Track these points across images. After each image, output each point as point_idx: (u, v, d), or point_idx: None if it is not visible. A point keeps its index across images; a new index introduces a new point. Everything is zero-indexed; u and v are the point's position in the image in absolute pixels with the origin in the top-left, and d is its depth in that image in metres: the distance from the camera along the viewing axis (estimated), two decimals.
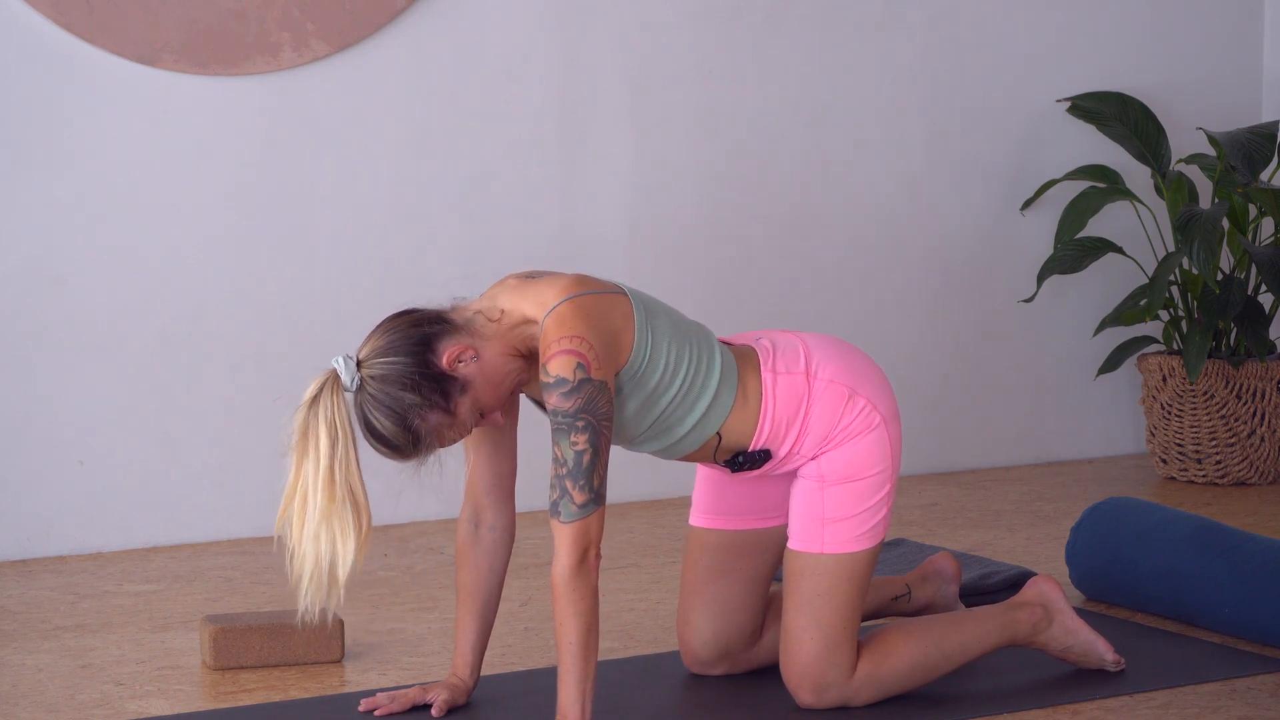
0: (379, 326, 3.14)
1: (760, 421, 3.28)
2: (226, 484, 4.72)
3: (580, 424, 3.08)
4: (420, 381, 3.08)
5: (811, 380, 3.29)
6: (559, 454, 3.09)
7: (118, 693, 3.51)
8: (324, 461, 3.06)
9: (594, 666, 3.09)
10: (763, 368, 3.29)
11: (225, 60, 4.62)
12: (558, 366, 3.08)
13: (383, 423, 3.08)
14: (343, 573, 3.07)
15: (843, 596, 3.31)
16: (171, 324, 4.64)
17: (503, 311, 3.17)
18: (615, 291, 3.20)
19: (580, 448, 3.08)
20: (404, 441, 3.09)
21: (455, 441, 3.15)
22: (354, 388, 3.09)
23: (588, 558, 3.08)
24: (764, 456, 3.31)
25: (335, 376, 3.09)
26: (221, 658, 3.61)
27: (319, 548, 3.06)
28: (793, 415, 3.29)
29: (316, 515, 3.06)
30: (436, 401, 3.09)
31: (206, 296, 4.67)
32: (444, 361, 3.10)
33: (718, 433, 3.28)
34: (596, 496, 3.09)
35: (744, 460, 3.32)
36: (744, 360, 3.30)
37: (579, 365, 3.08)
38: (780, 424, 3.29)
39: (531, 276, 3.22)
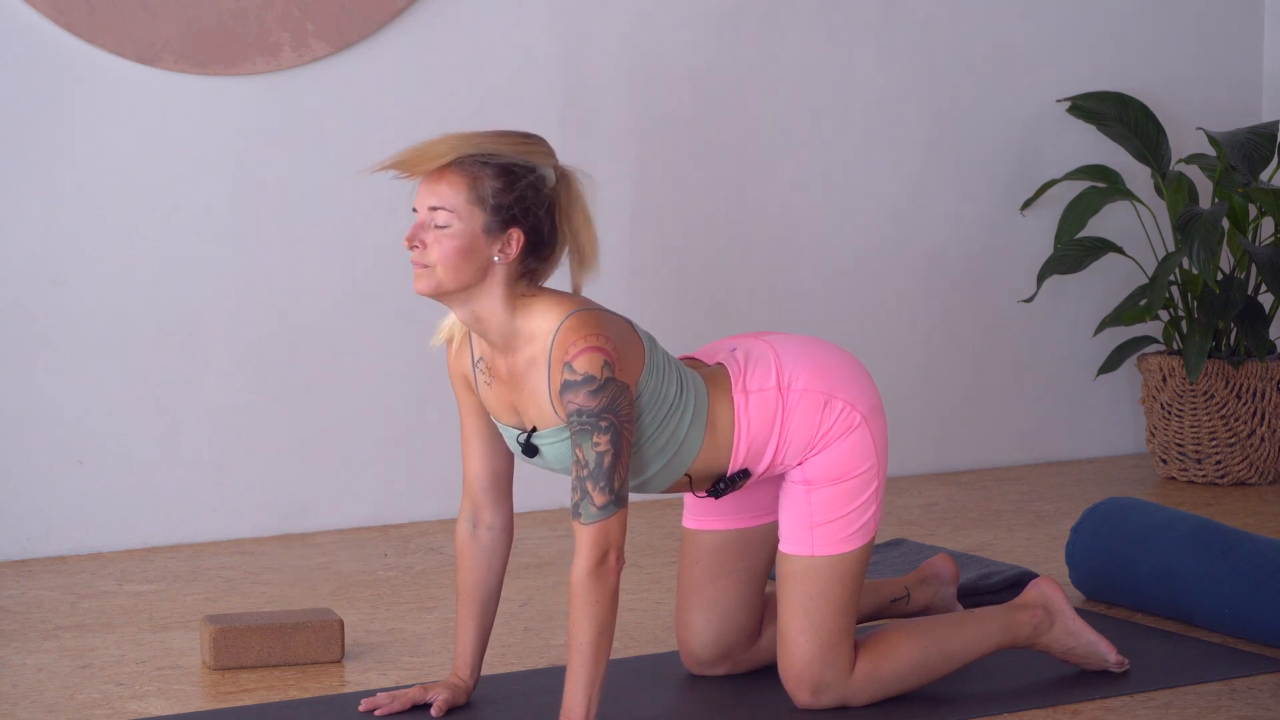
0: None
1: (735, 445, 3.27)
2: (226, 484, 4.72)
3: (604, 424, 3.07)
4: (533, 208, 3.13)
5: (785, 393, 3.28)
6: (580, 455, 3.08)
7: (118, 693, 3.51)
8: (497, 132, 3.15)
9: (604, 669, 3.09)
10: (734, 388, 3.28)
11: (225, 60, 4.62)
12: (585, 363, 3.08)
13: (522, 165, 3.13)
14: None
15: (836, 598, 3.30)
16: (171, 323, 4.64)
17: (531, 297, 3.17)
18: (620, 315, 3.21)
19: (602, 448, 3.07)
20: (495, 164, 3.11)
21: (423, 210, 3.13)
22: (549, 176, 3.17)
23: (607, 560, 3.08)
24: (744, 476, 3.31)
25: (547, 169, 3.16)
26: (221, 658, 3.61)
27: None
28: (769, 431, 3.28)
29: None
30: (516, 220, 3.12)
31: (206, 296, 4.68)
32: (515, 232, 3.12)
33: (687, 474, 3.29)
34: (617, 498, 3.09)
35: (725, 485, 3.32)
36: (715, 384, 3.28)
37: (606, 363, 3.08)
38: (757, 442, 3.28)
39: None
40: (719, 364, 3.32)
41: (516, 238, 3.13)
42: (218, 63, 4.62)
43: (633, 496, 5.04)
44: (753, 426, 3.27)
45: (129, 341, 4.61)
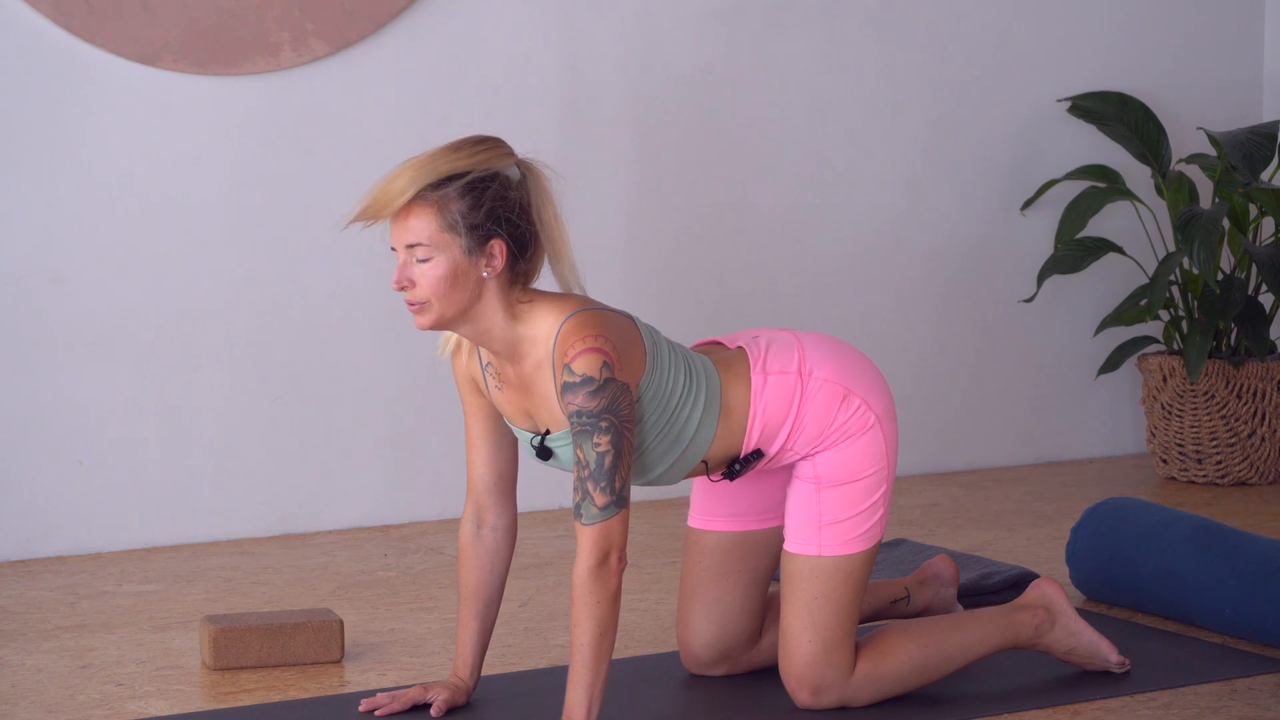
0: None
1: (749, 425, 3.27)
2: (226, 484, 4.72)
3: (604, 424, 3.07)
4: (505, 214, 3.12)
5: (805, 379, 3.29)
6: (581, 456, 3.08)
7: (118, 693, 3.51)
8: (449, 146, 3.14)
9: (606, 670, 3.09)
10: (752, 369, 3.28)
11: (225, 60, 4.62)
12: (584, 365, 3.08)
13: (484, 177, 3.12)
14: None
15: (840, 599, 3.30)
16: (171, 323, 4.64)
17: (530, 302, 3.17)
18: (622, 313, 3.21)
19: (603, 449, 3.08)
20: (457, 184, 3.10)
21: (400, 249, 3.12)
22: (512, 174, 3.16)
23: (608, 561, 3.08)
24: (757, 457, 3.31)
25: (510, 167, 3.15)
26: (221, 658, 3.61)
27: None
28: (784, 414, 3.28)
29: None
30: (493, 231, 3.11)
31: (206, 296, 4.68)
32: (496, 244, 3.11)
33: (704, 460, 3.29)
34: (619, 499, 3.09)
35: (739, 466, 3.32)
36: (730, 368, 3.29)
37: (605, 364, 3.08)
38: (772, 424, 3.28)
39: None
40: (739, 348, 3.33)
41: (499, 249, 3.13)
42: (218, 63, 4.62)
43: (641, 493, 5.04)
44: (769, 408, 3.27)
45: (129, 341, 4.61)
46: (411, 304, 3.14)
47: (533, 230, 3.17)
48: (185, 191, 4.64)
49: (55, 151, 4.52)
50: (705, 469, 3.32)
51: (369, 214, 3.13)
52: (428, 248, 3.11)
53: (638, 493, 5.05)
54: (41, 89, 4.49)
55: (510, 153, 3.16)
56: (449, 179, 3.11)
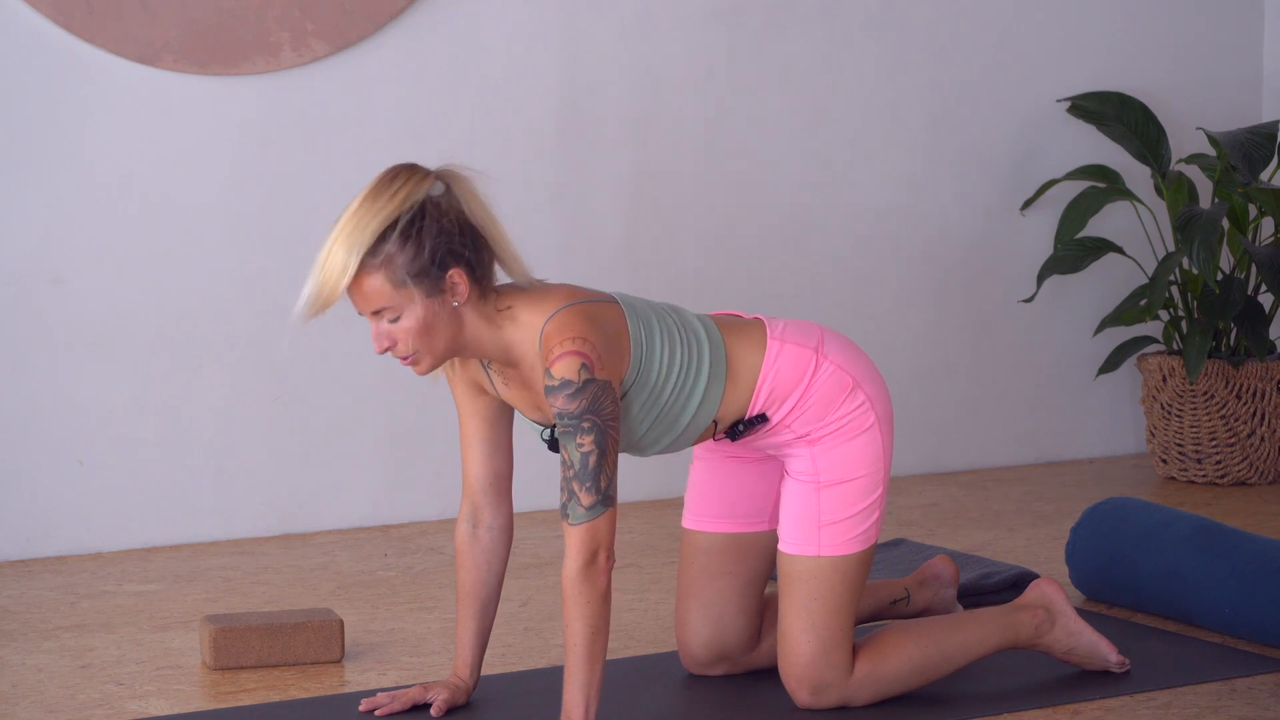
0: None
1: (757, 389, 3.28)
2: (226, 484, 4.72)
3: (586, 425, 3.08)
4: (448, 243, 3.08)
5: (820, 359, 3.30)
6: (566, 456, 3.09)
7: (118, 693, 3.51)
8: (368, 198, 3.08)
9: (601, 668, 3.09)
10: (770, 335, 3.29)
11: (225, 60, 4.62)
12: (562, 368, 3.09)
13: (413, 216, 3.07)
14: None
15: (838, 599, 3.31)
16: (171, 323, 4.65)
17: (510, 307, 3.17)
18: (605, 299, 3.20)
19: (586, 449, 3.08)
20: (392, 237, 3.05)
21: (367, 315, 3.10)
22: (436, 192, 3.11)
23: (597, 560, 3.08)
24: (761, 420, 3.32)
25: (432, 186, 3.10)
26: (221, 658, 3.61)
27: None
28: (794, 385, 3.28)
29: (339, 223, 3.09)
30: (445, 263, 3.08)
31: (205, 296, 4.68)
32: (453, 274, 3.09)
33: (714, 420, 3.29)
34: (605, 498, 3.09)
35: (743, 428, 3.32)
36: (740, 334, 3.30)
37: (583, 366, 3.09)
38: (779, 391, 3.28)
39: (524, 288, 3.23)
40: (756, 318, 3.34)
41: (459, 276, 3.11)
42: (218, 63, 4.62)
43: (640, 493, 5.05)
44: (780, 374, 3.28)
45: (129, 341, 4.61)
46: (403, 359, 3.14)
47: (477, 240, 3.15)
48: (185, 191, 4.64)
49: (55, 151, 4.52)
50: (714, 429, 3.32)
51: (319, 304, 3.09)
52: (391, 309, 3.10)
53: (638, 492, 5.05)
54: (41, 89, 4.49)
55: (426, 174, 3.12)
56: (382, 236, 3.08)
